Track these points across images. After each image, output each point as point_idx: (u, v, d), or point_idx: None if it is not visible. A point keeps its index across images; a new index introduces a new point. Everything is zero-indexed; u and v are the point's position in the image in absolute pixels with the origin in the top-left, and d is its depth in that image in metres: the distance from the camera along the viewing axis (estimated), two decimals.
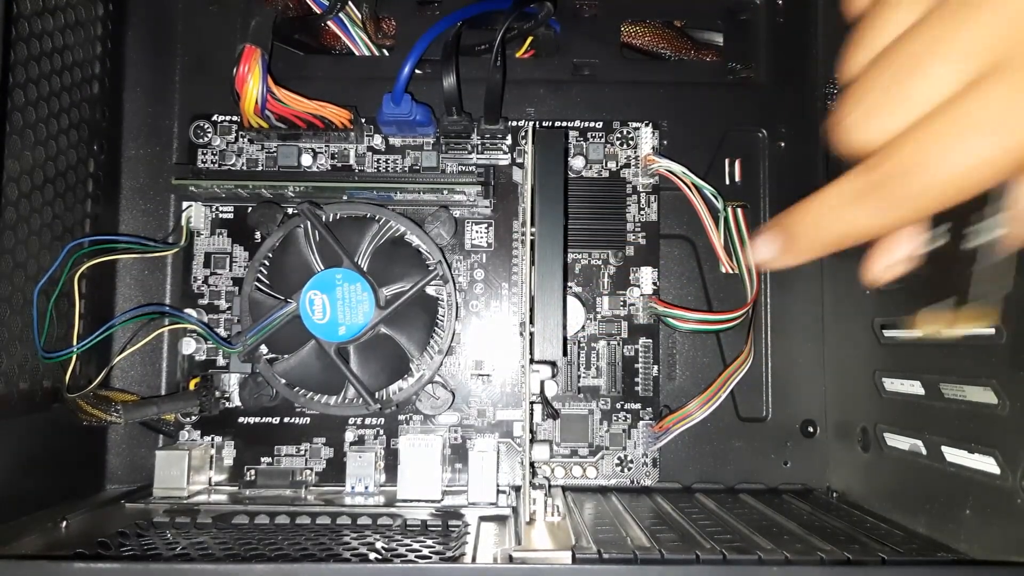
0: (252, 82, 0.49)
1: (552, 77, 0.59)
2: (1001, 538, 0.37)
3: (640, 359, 0.57)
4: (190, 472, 0.52)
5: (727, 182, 0.58)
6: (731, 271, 0.55)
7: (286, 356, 0.53)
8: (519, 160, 0.57)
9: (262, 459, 0.55)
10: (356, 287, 0.51)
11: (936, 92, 0.25)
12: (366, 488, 0.53)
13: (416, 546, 0.42)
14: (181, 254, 0.56)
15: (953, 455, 0.41)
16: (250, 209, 0.54)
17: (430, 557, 0.41)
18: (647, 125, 0.57)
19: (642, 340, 0.57)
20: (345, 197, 0.54)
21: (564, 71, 0.59)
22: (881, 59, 0.27)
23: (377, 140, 0.57)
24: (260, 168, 0.56)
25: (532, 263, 0.47)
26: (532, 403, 0.47)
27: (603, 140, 0.57)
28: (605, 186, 0.57)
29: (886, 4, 0.27)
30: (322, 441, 0.55)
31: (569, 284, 0.56)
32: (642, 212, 0.57)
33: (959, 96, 0.24)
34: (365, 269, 0.52)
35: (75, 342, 0.48)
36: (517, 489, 0.53)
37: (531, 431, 0.46)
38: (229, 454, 0.55)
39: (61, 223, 0.49)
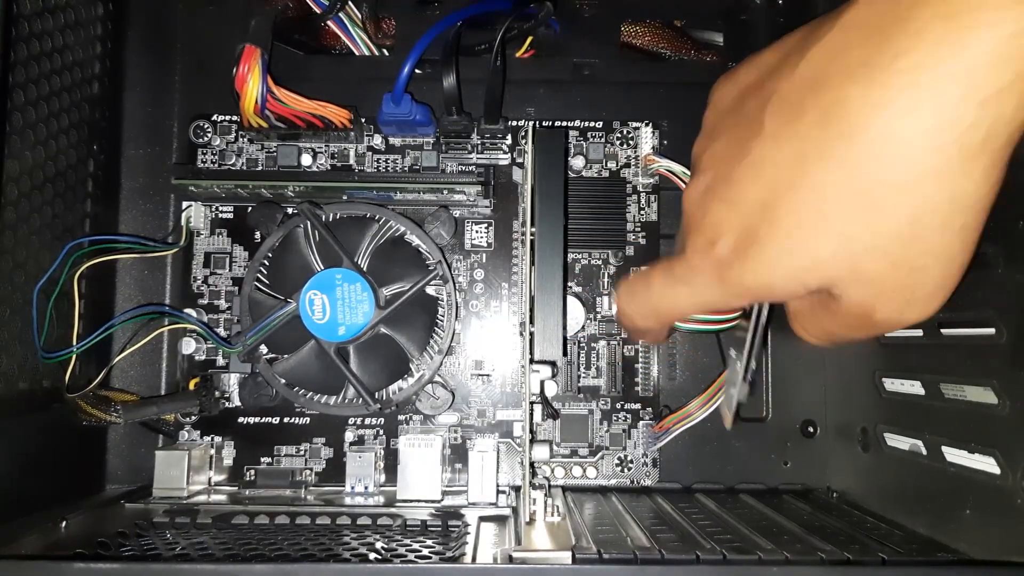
0: (252, 82, 0.49)
1: (552, 77, 0.59)
2: (1001, 538, 0.37)
3: (640, 359, 0.57)
4: (190, 472, 0.52)
5: None
6: None
7: (286, 356, 0.53)
8: (519, 160, 0.57)
9: (262, 459, 0.55)
10: (356, 287, 0.51)
11: None
12: (366, 488, 0.53)
13: (416, 546, 0.42)
14: (181, 254, 0.56)
15: (953, 455, 0.41)
16: (250, 209, 0.54)
17: (430, 557, 0.40)
18: (647, 125, 0.57)
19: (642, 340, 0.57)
20: (345, 197, 0.54)
21: (564, 71, 0.59)
22: None
23: (377, 140, 0.57)
24: (260, 168, 0.56)
25: (532, 263, 0.47)
26: (532, 403, 0.47)
27: (603, 140, 0.57)
28: (605, 186, 0.57)
29: None
30: (322, 441, 0.55)
31: (569, 284, 0.56)
32: (642, 212, 0.57)
33: None
34: (365, 269, 0.52)
35: (75, 342, 0.48)
36: (517, 489, 0.53)
37: (531, 431, 0.46)
38: (229, 454, 0.55)
39: (61, 223, 0.49)
